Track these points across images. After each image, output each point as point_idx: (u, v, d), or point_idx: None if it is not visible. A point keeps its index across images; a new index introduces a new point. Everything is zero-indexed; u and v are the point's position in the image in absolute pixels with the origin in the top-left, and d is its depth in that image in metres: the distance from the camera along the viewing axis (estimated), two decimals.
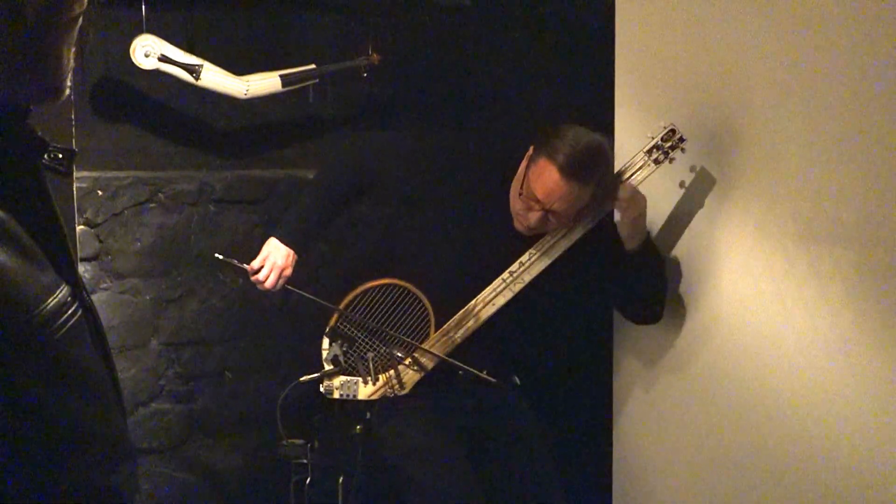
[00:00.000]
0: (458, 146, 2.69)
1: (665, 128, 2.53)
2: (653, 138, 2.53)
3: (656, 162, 2.52)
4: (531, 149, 2.46)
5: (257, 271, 2.51)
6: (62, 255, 1.02)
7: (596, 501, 3.02)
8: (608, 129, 2.80)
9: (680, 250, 2.70)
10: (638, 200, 2.50)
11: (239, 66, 2.76)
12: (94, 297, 2.55)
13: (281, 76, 2.78)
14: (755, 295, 2.46)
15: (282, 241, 2.53)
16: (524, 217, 2.45)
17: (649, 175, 2.54)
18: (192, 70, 2.67)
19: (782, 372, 2.39)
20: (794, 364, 2.36)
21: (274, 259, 2.51)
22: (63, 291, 0.96)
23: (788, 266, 2.35)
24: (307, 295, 2.50)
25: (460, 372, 2.49)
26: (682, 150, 2.54)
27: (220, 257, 2.51)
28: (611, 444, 2.97)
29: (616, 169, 2.56)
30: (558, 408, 3.06)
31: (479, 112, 3.11)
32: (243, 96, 2.75)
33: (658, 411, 2.81)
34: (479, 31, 3.19)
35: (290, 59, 2.88)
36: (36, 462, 0.94)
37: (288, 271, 2.53)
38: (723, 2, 2.52)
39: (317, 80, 2.87)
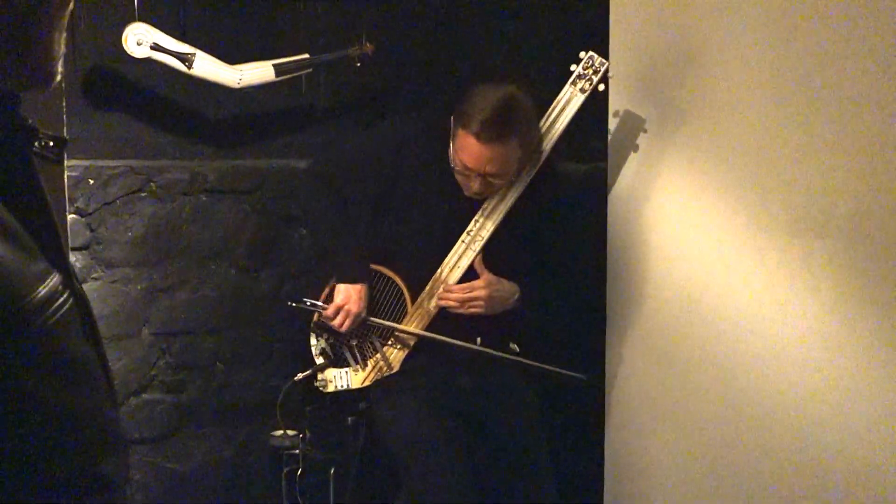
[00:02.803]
0: (407, 128, 2.70)
1: (584, 56, 2.59)
2: (574, 69, 2.59)
3: (582, 91, 2.59)
4: (451, 120, 2.49)
5: (333, 317, 2.55)
6: (53, 244, 1.01)
7: (586, 483, 3.02)
8: (602, 118, 2.80)
9: (672, 242, 2.70)
10: (477, 301, 2.54)
11: (232, 55, 2.75)
12: (85, 287, 2.54)
13: (274, 65, 2.77)
14: (747, 287, 2.46)
15: (345, 282, 2.56)
16: (467, 186, 2.51)
17: (581, 104, 2.58)
18: (185, 59, 2.65)
19: (773, 363, 2.40)
20: (785, 355, 2.37)
21: (348, 307, 2.54)
22: (54, 280, 0.96)
23: (780, 258, 2.35)
24: (390, 324, 2.58)
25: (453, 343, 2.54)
26: (609, 74, 2.59)
27: (293, 305, 2.59)
28: (603, 414, 2.96)
29: (549, 108, 2.59)
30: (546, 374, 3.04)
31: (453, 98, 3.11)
32: (236, 85, 2.73)
33: (649, 399, 2.81)
34: (473, 20, 3.18)
35: (284, 48, 2.86)
36: (26, 450, 0.94)
37: (364, 312, 2.56)
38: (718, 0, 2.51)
39: (310, 70, 2.85)
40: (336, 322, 2.55)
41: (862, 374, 2.19)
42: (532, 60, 3.21)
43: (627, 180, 2.82)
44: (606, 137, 2.83)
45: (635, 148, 2.77)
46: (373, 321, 2.58)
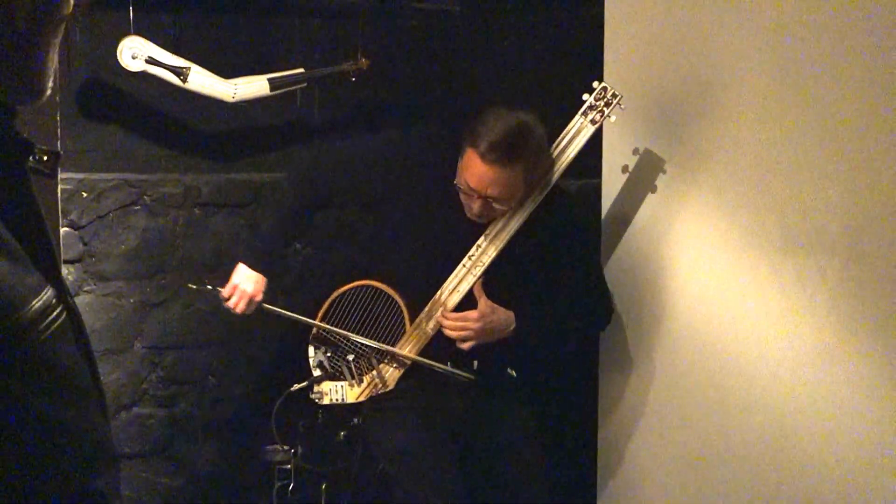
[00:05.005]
0: (414, 145, 2.69)
1: (597, 87, 2.55)
2: (586, 99, 2.56)
3: (593, 122, 2.55)
4: (462, 138, 2.47)
5: (229, 297, 2.55)
6: (46, 257, 1.01)
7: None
8: (596, 138, 2.80)
9: (666, 257, 2.70)
10: (470, 333, 2.50)
11: (227, 69, 2.75)
12: (77, 300, 2.53)
13: (269, 79, 2.77)
14: (740, 302, 2.47)
15: (249, 266, 2.56)
16: (469, 207, 2.48)
17: (590, 136, 2.55)
18: (180, 72, 2.65)
19: (766, 378, 2.40)
20: (778, 370, 2.37)
21: (244, 287, 2.54)
22: (47, 293, 0.95)
23: (774, 275, 2.36)
24: (284, 312, 2.57)
25: (439, 369, 2.52)
26: (621, 106, 2.55)
27: (193, 287, 2.64)
28: (595, 434, 2.96)
29: (558, 137, 2.57)
30: (542, 396, 3.04)
31: (467, 117, 3.11)
32: (231, 99, 2.74)
33: (643, 417, 2.81)
34: (466, 36, 3.19)
35: (279, 63, 2.87)
36: (17, 465, 0.93)
37: (259, 296, 2.56)
38: (715, 18, 2.52)
39: (305, 84, 2.86)
40: (231, 303, 2.54)
41: (857, 390, 2.19)
42: (525, 77, 3.22)
43: (620, 198, 2.82)
44: (600, 154, 2.84)
45: (628, 165, 2.77)
46: (269, 308, 2.57)
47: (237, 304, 2.54)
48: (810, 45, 2.24)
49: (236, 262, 2.58)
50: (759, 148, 2.39)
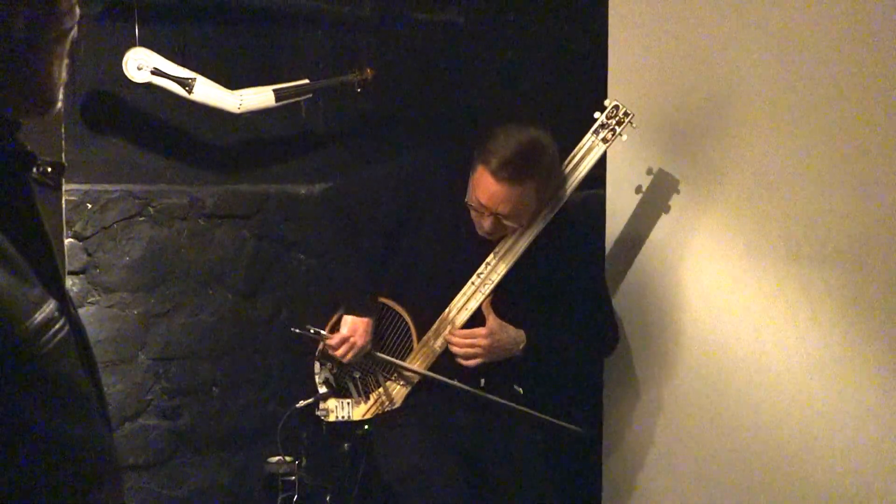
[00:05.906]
0: (425, 164, 2.68)
1: (609, 105, 2.54)
2: (597, 117, 2.54)
3: (604, 141, 2.54)
4: (473, 155, 2.46)
5: (337, 347, 2.52)
6: (49, 270, 1.00)
7: None
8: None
9: (671, 270, 2.70)
10: (478, 350, 2.49)
11: (232, 80, 2.75)
12: (81, 311, 2.53)
13: (274, 90, 2.77)
14: (745, 315, 2.46)
15: (353, 314, 2.53)
16: (479, 224, 2.47)
17: (601, 154, 2.54)
18: (185, 83, 2.66)
19: (772, 390, 2.39)
20: (783, 382, 2.36)
21: (353, 339, 2.51)
22: (50, 306, 0.95)
23: (779, 287, 2.35)
24: (393, 360, 2.55)
25: (447, 382, 2.50)
26: (633, 124, 2.53)
27: (297, 331, 2.55)
28: (600, 451, 2.95)
29: (569, 154, 2.55)
30: (548, 412, 3.04)
31: (472, 128, 3.11)
32: (236, 110, 2.74)
33: (648, 428, 2.80)
34: (471, 47, 3.20)
35: (284, 74, 2.87)
36: (20, 477, 0.93)
37: (368, 346, 2.53)
38: (716, 32, 2.52)
39: (310, 95, 2.86)
40: (339, 353, 2.52)
41: (864, 403, 2.18)
42: (529, 88, 3.22)
43: (624, 210, 2.82)
44: (604, 165, 2.84)
45: (631, 177, 2.77)
46: (377, 355, 2.55)
47: (344, 354, 2.52)
48: (816, 59, 2.24)
49: (340, 315, 2.56)
50: (763, 158, 2.38)
